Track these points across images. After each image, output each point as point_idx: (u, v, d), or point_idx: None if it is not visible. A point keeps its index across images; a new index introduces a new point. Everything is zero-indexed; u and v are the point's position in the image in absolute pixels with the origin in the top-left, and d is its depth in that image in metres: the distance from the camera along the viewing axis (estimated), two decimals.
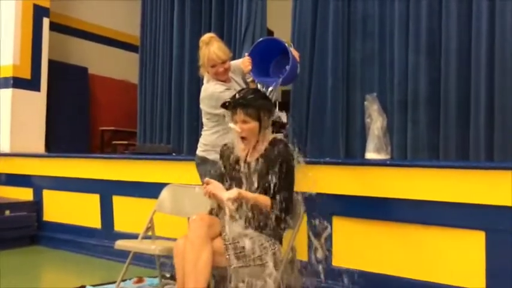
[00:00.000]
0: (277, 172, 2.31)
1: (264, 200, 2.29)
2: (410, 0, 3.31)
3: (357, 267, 2.95)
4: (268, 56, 2.96)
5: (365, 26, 3.58)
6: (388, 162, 2.97)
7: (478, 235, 2.53)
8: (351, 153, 3.56)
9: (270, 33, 5.48)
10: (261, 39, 2.98)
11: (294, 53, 2.86)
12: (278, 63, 2.96)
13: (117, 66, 7.17)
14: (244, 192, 2.27)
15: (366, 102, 3.27)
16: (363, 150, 3.26)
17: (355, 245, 2.98)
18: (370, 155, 3.14)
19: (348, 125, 3.60)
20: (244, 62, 2.84)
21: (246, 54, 2.91)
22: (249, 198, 2.28)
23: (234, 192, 2.21)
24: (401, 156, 3.30)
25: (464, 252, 2.58)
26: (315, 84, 3.69)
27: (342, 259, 3.01)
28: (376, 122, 3.15)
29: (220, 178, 2.48)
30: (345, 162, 3.09)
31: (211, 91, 2.78)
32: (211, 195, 2.25)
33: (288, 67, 2.79)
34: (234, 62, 2.95)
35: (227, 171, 2.48)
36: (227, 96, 2.53)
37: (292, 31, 3.82)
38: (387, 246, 2.85)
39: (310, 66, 3.74)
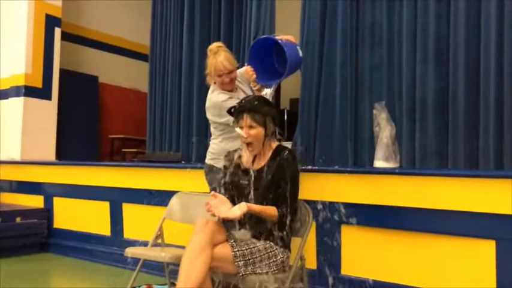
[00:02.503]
0: (282, 180, 2.33)
1: (271, 210, 2.30)
2: (418, 9, 3.32)
3: (366, 276, 2.93)
4: (267, 55, 2.93)
5: (373, 34, 3.59)
6: (397, 170, 2.97)
7: (488, 244, 2.51)
8: (359, 162, 3.56)
9: None
10: (251, 45, 2.95)
11: (286, 37, 2.81)
12: (279, 57, 2.89)
13: (127, 75, 7.25)
14: (251, 205, 2.27)
15: (374, 111, 3.27)
16: (372, 158, 3.25)
17: (364, 253, 2.97)
18: (378, 163, 3.13)
19: (357, 133, 3.60)
20: (247, 72, 2.85)
21: (246, 64, 2.90)
22: (257, 211, 2.29)
23: (243, 207, 2.21)
24: (410, 165, 3.30)
25: (474, 262, 2.56)
26: (323, 92, 3.70)
27: (351, 268, 3.00)
28: (384, 130, 3.15)
29: (227, 187, 2.50)
30: (353, 170, 3.09)
31: (215, 100, 2.83)
32: (216, 215, 2.24)
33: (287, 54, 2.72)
34: (240, 71, 2.98)
35: (233, 180, 2.50)
36: (230, 105, 2.55)
37: (300, 39, 3.83)
38: (396, 255, 2.84)
39: (319, 74, 3.75)
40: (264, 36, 3.12)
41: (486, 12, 3.06)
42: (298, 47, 2.84)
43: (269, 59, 2.96)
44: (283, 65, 2.80)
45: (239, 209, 2.20)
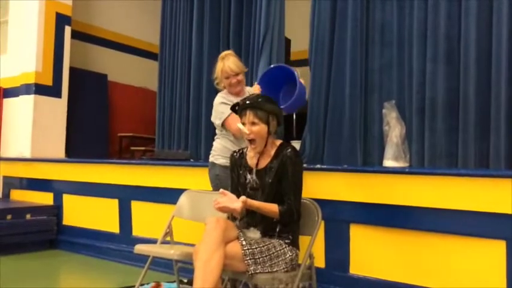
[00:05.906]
0: (285, 178, 2.34)
1: (271, 207, 2.31)
2: (429, 8, 3.30)
3: (375, 276, 2.93)
4: (276, 84, 3.24)
5: (383, 34, 3.58)
6: (406, 170, 2.96)
7: (498, 244, 2.50)
8: (369, 161, 3.55)
9: (288, 42, 5.50)
10: (269, 67, 3.20)
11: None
12: (286, 91, 3.22)
13: (137, 74, 7.29)
14: (250, 200, 2.29)
15: (384, 110, 3.27)
16: (381, 158, 3.25)
17: (373, 253, 2.96)
18: (388, 162, 3.13)
19: (366, 132, 3.59)
20: (255, 90, 3.11)
21: (256, 83, 3.18)
22: (255, 206, 2.29)
23: (240, 202, 2.23)
24: (419, 164, 3.28)
25: (484, 262, 2.55)
26: (333, 92, 3.69)
27: (359, 267, 3.00)
28: (394, 129, 3.15)
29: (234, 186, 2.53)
30: (363, 170, 3.08)
31: (214, 102, 3.05)
32: (222, 210, 2.26)
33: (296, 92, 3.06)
34: (249, 88, 3.19)
35: (238, 178, 2.51)
36: (222, 108, 2.74)
37: (310, 40, 3.83)
38: (405, 255, 2.83)
39: (328, 74, 3.74)
40: (282, 65, 3.38)
41: (497, 11, 3.03)
42: (306, 93, 3.19)
43: (277, 89, 3.28)
44: (287, 99, 3.09)
45: (238, 201, 2.24)
